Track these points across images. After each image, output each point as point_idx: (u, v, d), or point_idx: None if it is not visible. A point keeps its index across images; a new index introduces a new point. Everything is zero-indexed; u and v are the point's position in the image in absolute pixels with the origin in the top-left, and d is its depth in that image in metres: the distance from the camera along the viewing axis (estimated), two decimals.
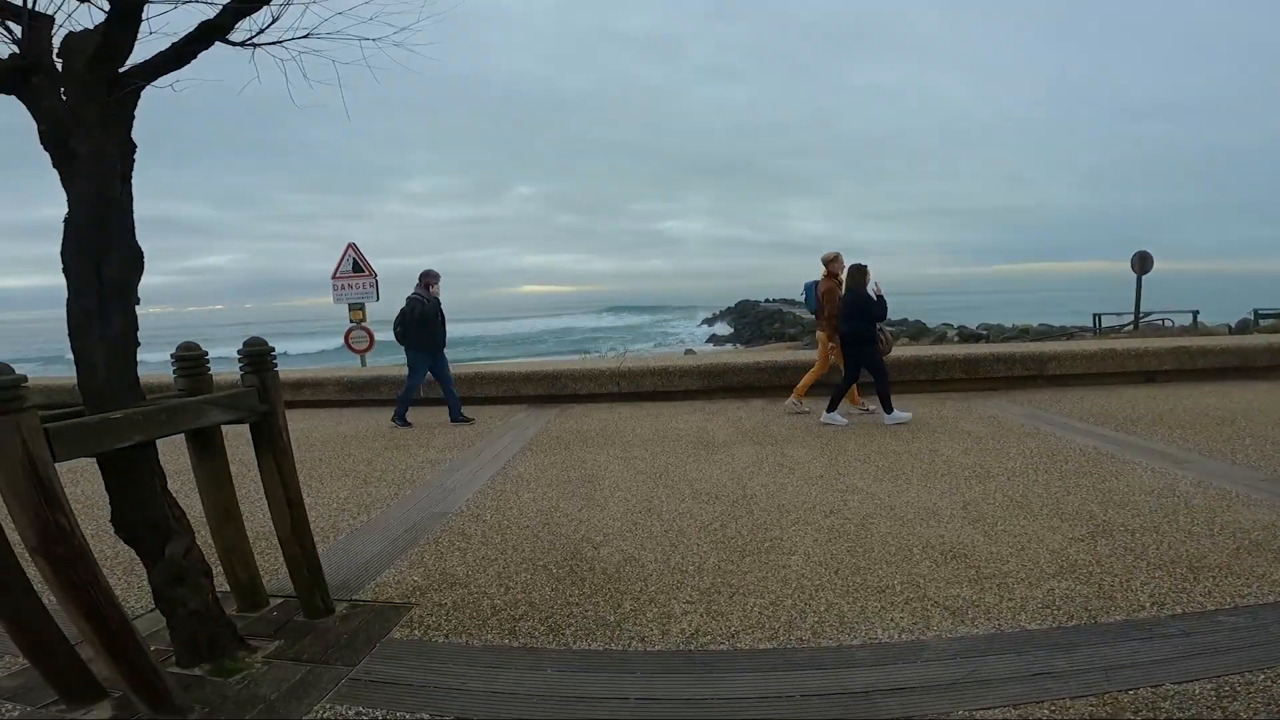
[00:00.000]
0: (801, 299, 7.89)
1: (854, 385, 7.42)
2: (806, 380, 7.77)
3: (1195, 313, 22.57)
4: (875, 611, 3.04)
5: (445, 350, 7.99)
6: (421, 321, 7.60)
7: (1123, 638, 2.72)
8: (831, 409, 7.09)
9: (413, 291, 7.74)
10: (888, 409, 6.95)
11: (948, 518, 4.16)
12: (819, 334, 7.78)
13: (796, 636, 2.87)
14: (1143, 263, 18.02)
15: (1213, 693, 2.33)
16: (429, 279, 7.76)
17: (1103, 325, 23.14)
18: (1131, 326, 19.47)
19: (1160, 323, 20.81)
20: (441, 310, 7.78)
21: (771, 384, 8.80)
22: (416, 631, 3.06)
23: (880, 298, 6.91)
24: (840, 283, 7.42)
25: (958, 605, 3.05)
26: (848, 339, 7.09)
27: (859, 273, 7.01)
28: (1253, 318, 23.08)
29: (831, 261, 7.46)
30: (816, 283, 7.62)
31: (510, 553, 3.94)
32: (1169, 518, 3.98)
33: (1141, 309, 19.19)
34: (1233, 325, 20.92)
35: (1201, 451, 5.40)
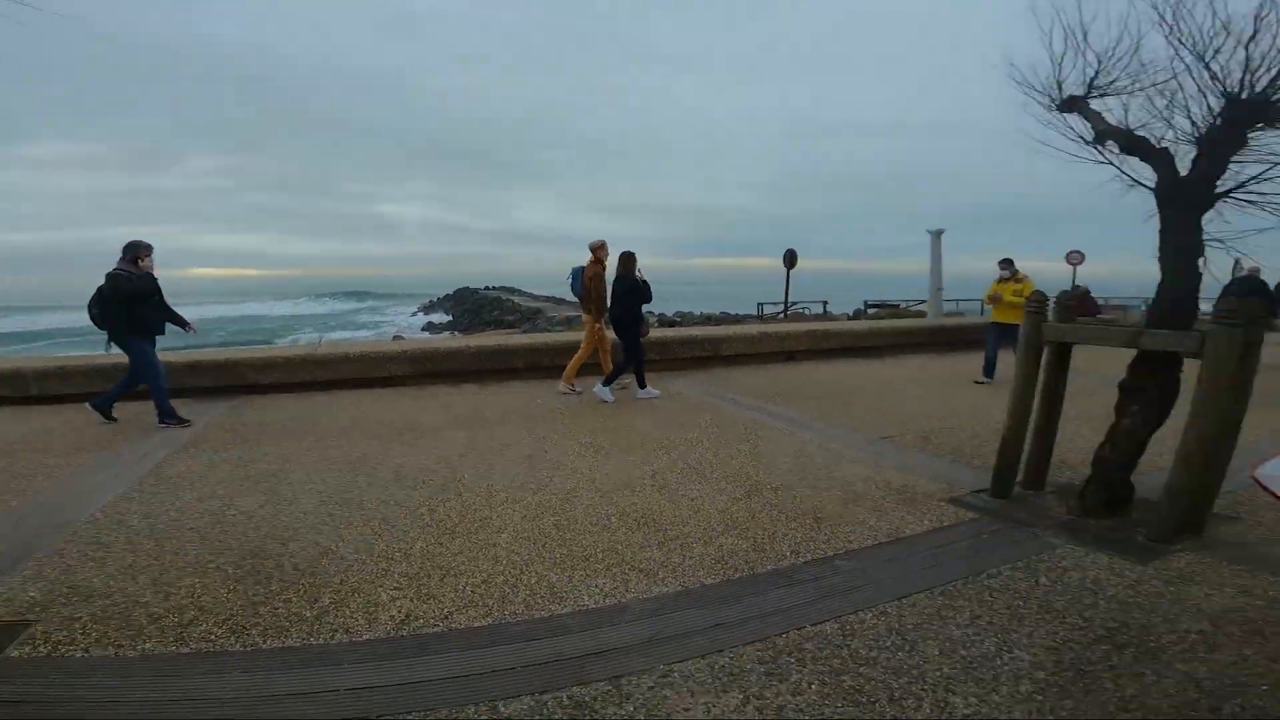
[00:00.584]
0: (568, 282, 8.00)
1: (578, 365, 7.86)
2: (574, 363, 7.92)
3: (825, 303, 28.01)
4: (581, 580, 3.24)
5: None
6: (131, 301, 6.06)
7: (773, 585, 3.19)
8: (607, 383, 7.51)
9: (115, 267, 6.12)
10: (641, 384, 7.61)
11: (640, 487, 4.59)
12: (585, 317, 8.01)
13: (510, 610, 2.94)
14: (790, 259, 21.70)
15: (839, 632, 2.75)
16: (137, 251, 6.21)
17: (764, 313, 27.44)
18: (782, 314, 23.37)
19: (802, 311, 25.37)
20: (159, 289, 6.29)
21: (486, 368, 8.76)
22: (43, 648, 2.59)
23: (645, 283, 7.40)
24: (605, 268, 7.72)
25: (650, 567, 3.39)
26: (618, 321, 7.46)
27: (629, 259, 7.40)
28: (863, 307, 29.41)
29: (599, 249, 7.73)
30: (583, 268, 7.80)
31: (168, 558, 3.39)
32: (801, 475, 4.88)
33: (790, 299, 23.12)
34: (850, 314, 26.38)
35: (823, 418, 6.71)
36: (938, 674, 2.45)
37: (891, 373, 9.62)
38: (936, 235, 16.65)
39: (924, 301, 19.35)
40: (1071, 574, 3.27)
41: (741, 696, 2.34)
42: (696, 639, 2.73)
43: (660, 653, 2.64)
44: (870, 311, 27.26)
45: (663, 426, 6.30)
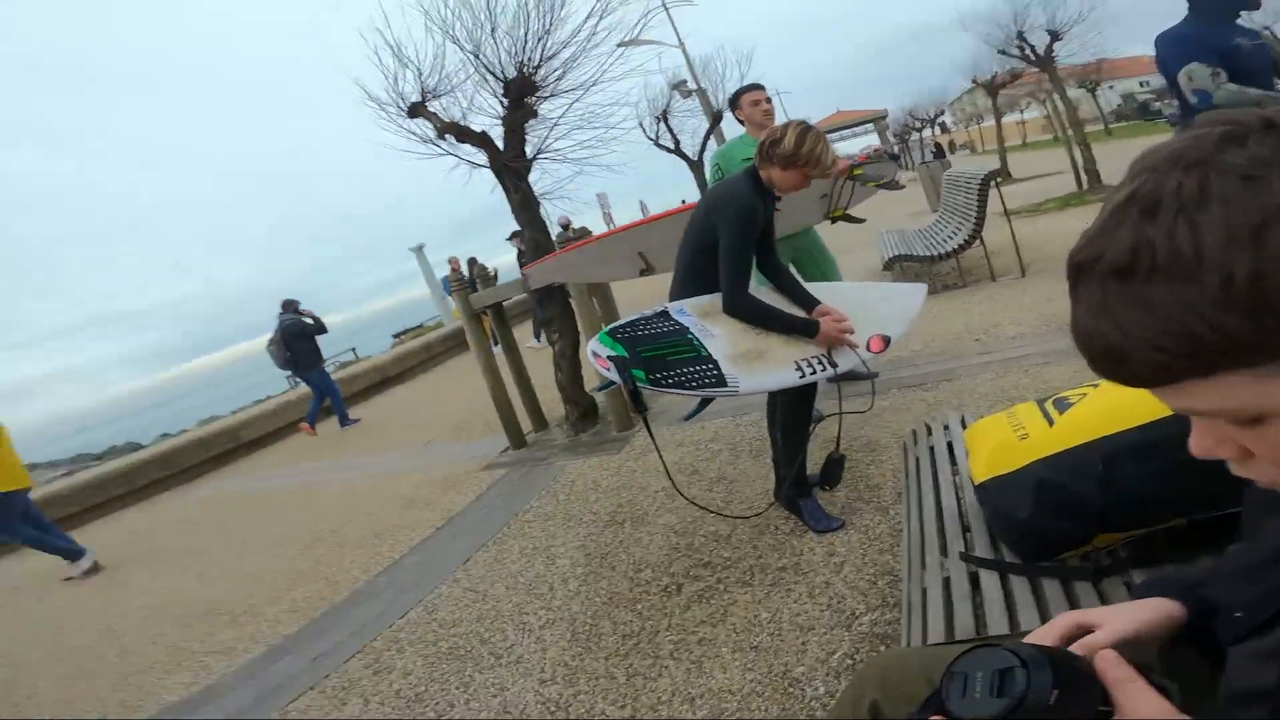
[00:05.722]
0: None
1: None
2: None
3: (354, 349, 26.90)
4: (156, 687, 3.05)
5: None
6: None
7: (354, 605, 3.32)
8: None
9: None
10: None
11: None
12: None
13: None
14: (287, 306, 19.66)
15: (423, 612, 2.96)
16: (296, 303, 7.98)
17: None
18: None
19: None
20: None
21: None
22: None
23: None
24: None
25: (226, 648, 3.31)
26: None
27: None
28: (392, 338, 28.97)
29: None
30: None
31: None
32: (355, 507, 4.95)
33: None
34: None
35: (367, 449, 6.69)
36: (509, 605, 2.75)
37: (424, 387, 10.27)
38: (419, 250, 16.62)
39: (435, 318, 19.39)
40: (577, 482, 3.81)
41: (361, 700, 2.47)
42: (302, 678, 2.75)
43: (270, 703, 2.64)
44: (398, 338, 27.33)
45: None
